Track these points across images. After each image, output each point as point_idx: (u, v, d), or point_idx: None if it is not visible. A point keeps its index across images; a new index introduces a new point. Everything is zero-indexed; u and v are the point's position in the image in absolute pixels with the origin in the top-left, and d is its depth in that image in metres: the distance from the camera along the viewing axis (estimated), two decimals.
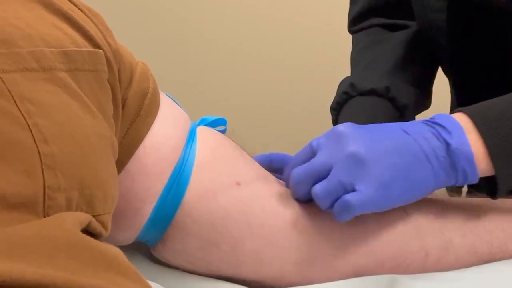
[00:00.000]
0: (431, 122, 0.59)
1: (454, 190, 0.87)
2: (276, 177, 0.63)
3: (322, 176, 0.56)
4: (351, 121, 0.61)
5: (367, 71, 0.93)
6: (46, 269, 0.35)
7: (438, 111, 0.64)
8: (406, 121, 0.77)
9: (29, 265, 0.34)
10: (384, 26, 0.97)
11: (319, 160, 0.57)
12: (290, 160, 0.62)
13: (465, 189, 0.89)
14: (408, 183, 0.56)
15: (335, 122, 0.92)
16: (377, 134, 0.58)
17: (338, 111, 0.91)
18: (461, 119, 0.59)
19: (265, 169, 0.63)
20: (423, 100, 0.96)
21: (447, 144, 0.56)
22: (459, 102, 0.95)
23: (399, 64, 0.93)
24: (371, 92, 0.88)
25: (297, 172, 0.58)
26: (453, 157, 0.56)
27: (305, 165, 0.58)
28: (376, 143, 0.57)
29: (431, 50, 0.93)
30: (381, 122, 0.77)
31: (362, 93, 0.88)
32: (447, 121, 0.58)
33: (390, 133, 0.58)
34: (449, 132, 0.57)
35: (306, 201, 0.59)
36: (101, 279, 0.37)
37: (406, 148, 0.57)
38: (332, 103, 0.92)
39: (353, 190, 0.54)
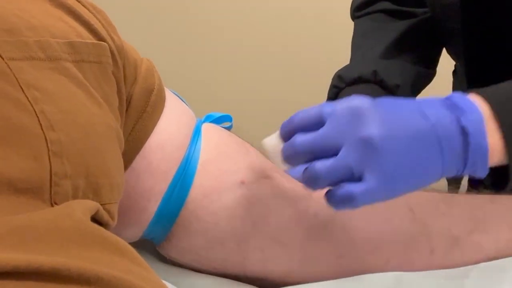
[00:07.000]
0: (450, 104, 0.54)
1: (453, 182, 0.86)
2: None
3: (326, 153, 0.50)
4: None
5: (355, 61, 0.89)
6: (59, 258, 0.34)
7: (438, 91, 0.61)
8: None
9: (41, 255, 0.34)
10: (390, 13, 0.93)
11: (328, 134, 0.51)
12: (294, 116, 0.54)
13: (464, 182, 0.88)
14: (416, 174, 0.52)
15: None
16: (394, 116, 0.52)
17: None
18: (480, 104, 0.54)
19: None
20: (427, 75, 0.92)
21: (465, 134, 0.52)
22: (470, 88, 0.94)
23: (394, 46, 0.89)
24: (359, 80, 0.84)
25: (301, 140, 0.51)
26: (468, 149, 0.52)
27: (312, 135, 0.51)
28: (392, 127, 0.51)
29: (440, 35, 0.90)
30: None
31: (350, 83, 0.84)
32: (467, 106, 0.53)
33: (408, 116, 0.53)
34: (468, 120, 0.52)
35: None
36: (115, 268, 0.36)
37: (422, 136, 0.52)
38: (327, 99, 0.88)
39: (359, 179, 0.50)
